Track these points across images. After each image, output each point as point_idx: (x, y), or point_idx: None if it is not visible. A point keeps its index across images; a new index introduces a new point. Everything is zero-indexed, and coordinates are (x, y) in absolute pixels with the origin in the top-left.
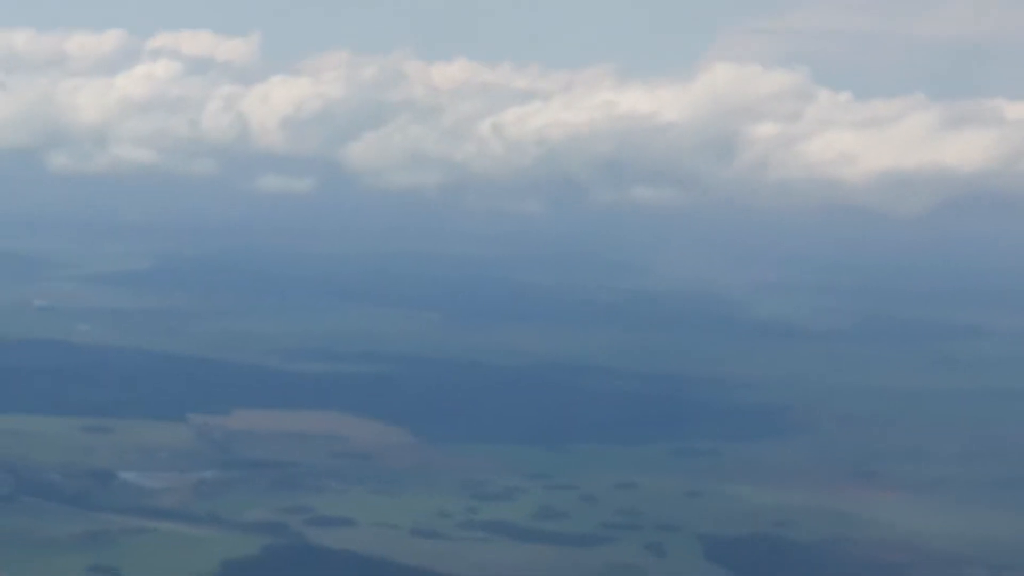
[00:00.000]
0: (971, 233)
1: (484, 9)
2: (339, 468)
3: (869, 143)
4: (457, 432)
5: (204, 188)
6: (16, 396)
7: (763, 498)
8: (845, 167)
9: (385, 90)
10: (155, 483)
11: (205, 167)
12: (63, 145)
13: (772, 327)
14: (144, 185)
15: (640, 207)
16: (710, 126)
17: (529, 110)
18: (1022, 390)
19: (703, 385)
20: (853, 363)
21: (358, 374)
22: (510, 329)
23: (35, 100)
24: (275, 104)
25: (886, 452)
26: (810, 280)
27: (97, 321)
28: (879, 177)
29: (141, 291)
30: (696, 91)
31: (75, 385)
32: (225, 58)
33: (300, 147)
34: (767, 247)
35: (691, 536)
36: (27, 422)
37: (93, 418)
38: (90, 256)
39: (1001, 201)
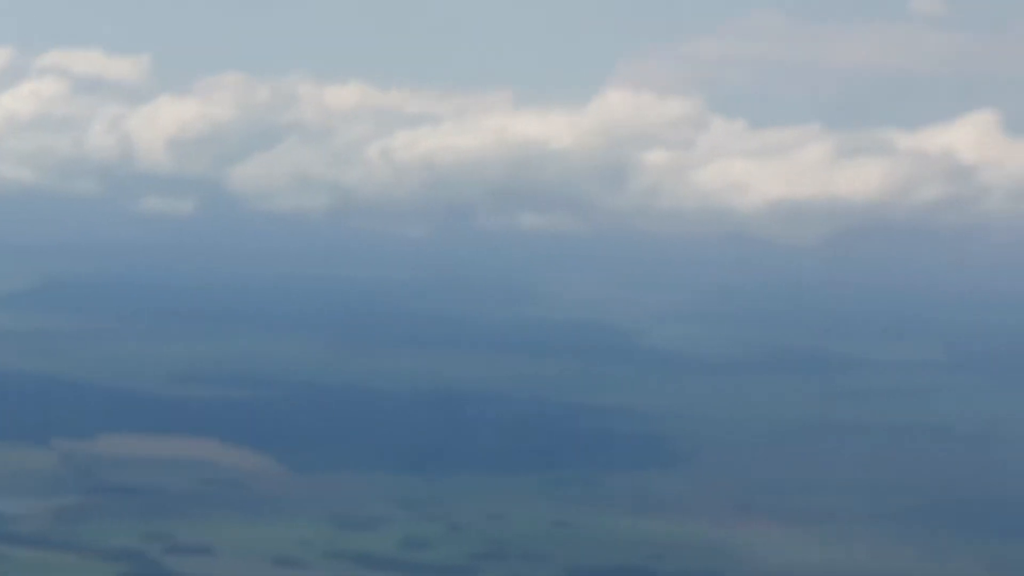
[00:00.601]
0: (864, 263)
1: (385, 33)
2: (204, 495)
3: (762, 172)
4: (329, 460)
5: (86, 208)
6: None
7: (638, 529)
8: (738, 195)
9: (276, 113)
10: (13, 509)
11: (87, 187)
12: None
13: (662, 356)
14: (24, 205)
15: (529, 234)
16: (602, 153)
17: (419, 134)
18: (908, 422)
19: (587, 414)
20: (742, 393)
21: (234, 400)
22: (394, 355)
23: None
24: (162, 125)
25: (768, 484)
26: (702, 309)
27: None
28: (772, 206)
29: (19, 312)
30: (589, 118)
31: None
32: (115, 77)
33: (185, 168)
34: (659, 275)
35: (558, 568)
36: None
37: None
38: None
39: (893, 231)
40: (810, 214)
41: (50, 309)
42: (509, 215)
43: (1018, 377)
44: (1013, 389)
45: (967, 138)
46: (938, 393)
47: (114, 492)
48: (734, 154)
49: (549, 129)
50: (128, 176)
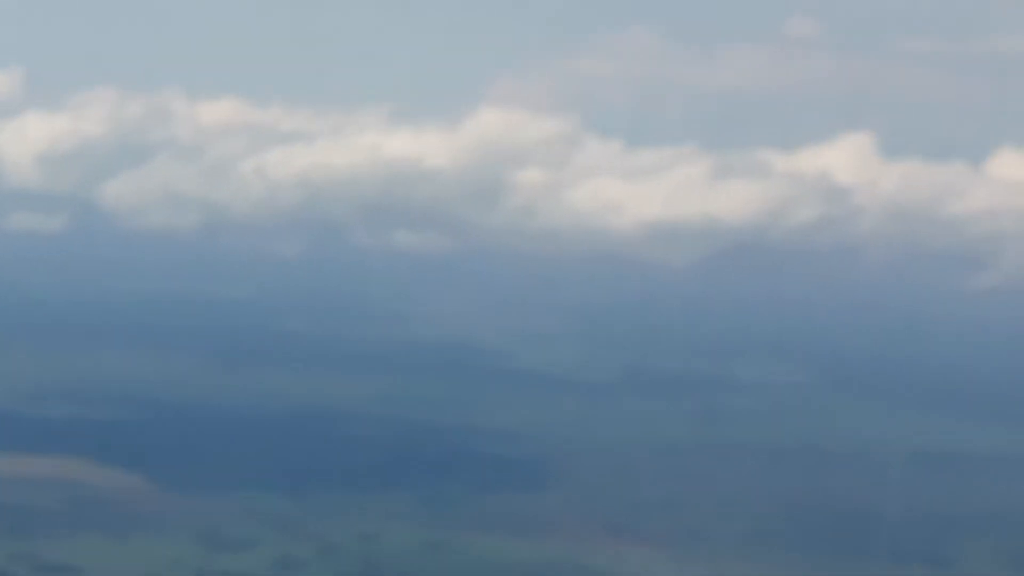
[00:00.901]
0: (739, 285)
1: (261, 48)
2: (73, 514)
3: (637, 192)
4: (202, 479)
5: None
6: None
7: (509, 551)
8: (612, 216)
9: (147, 129)
10: None
11: None
12: None
13: (534, 377)
14: None
15: (402, 253)
16: (475, 172)
17: (293, 152)
18: (778, 444)
19: (458, 435)
20: (614, 415)
21: (104, 419)
22: (267, 375)
23: None
24: (30, 140)
25: (639, 505)
26: (576, 330)
27: None
28: (647, 227)
29: None
30: (463, 136)
31: None
32: None
33: (55, 185)
34: (532, 295)
35: None
36: None
37: None
38: None
39: (769, 252)
40: (685, 235)
41: None
42: (383, 233)
43: (888, 397)
44: (883, 409)
45: (842, 159)
46: (808, 413)
47: None
48: (609, 173)
49: (423, 147)
50: None
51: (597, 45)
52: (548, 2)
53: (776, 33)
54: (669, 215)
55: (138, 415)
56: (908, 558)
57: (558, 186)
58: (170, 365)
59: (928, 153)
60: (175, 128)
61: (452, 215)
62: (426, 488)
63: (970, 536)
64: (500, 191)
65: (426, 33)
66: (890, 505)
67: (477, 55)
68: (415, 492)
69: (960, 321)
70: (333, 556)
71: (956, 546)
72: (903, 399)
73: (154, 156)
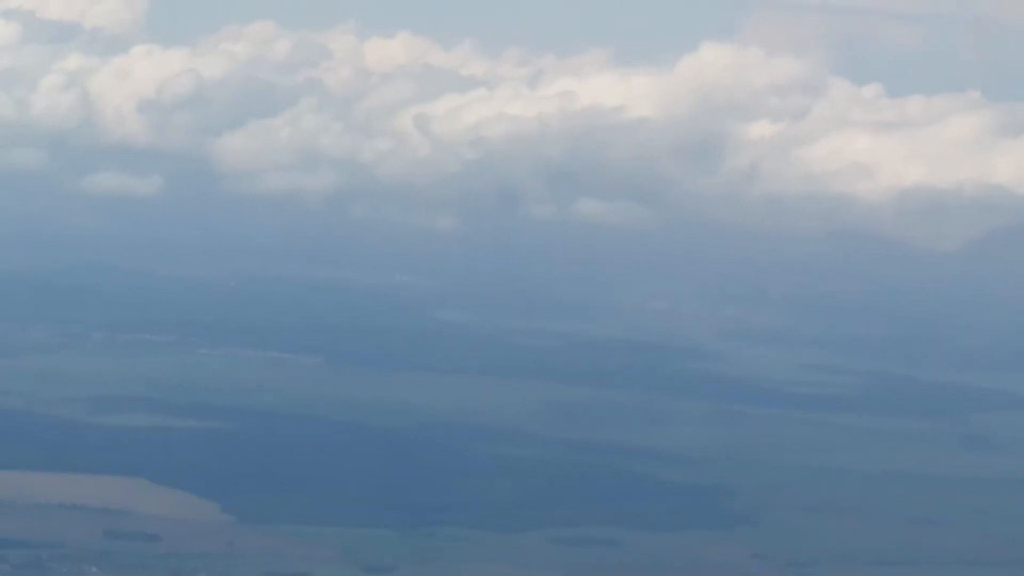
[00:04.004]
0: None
1: None
2: (111, 551)
3: (895, 150)
4: (288, 509)
5: (28, 185)
6: None
7: None
8: (861, 180)
9: (292, 70)
10: None
11: (32, 159)
12: None
13: (743, 388)
14: None
15: (590, 226)
16: (688, 124)
17: (466, 100)
18: None
19: (628, 457)
20: (844, 439)
21: (185, 432)
22: (406, 380)
23: None
24: (136, 83)
25: (846, 552)
26: (806, 329)
27: None
28: (906, 196)
29: None
30: (676, 80)
31: None
32: (95, 24)
33: (159, 139)
34: (753, 283)
35: None
36: None
37: None
38: None
39: None
40: (956, 208)
41: None
42: (567, 203)
43: None
44: None
45: None
46: None
47: None
48: (858, 127)
49: (626, 94)
50: (85, 147)
51: None
52: None
53: None
54: (936, 181)
55: (229, 428)
56: None
57: (793, 143)
58: (287, 367)
59: None
60: (329, 71)
61: (656, 179)
62: (570, 522)
63: None
64: (718, 149)
65: None
66: None
67: None
68: (555, 527)
69: None
70: None
71: None
72: None
73: (294, 104)
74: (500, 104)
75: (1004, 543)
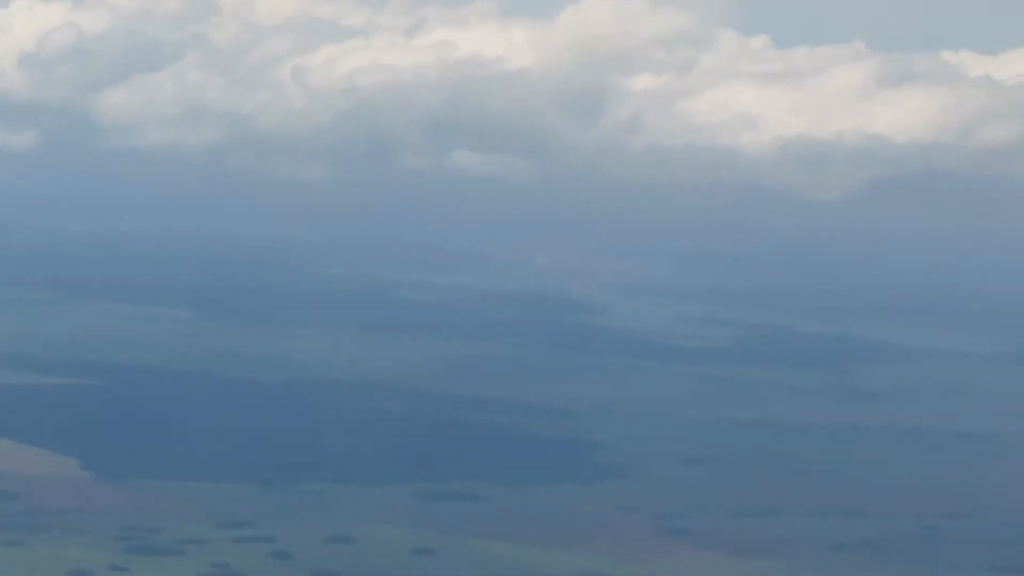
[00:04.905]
0: (906, 225)
1: None
2: None
3: (779, 101)
4: (150, 465)
5: None
6: None
7: (522, 562)
8: (745, 132)
9: (180, 26)
10: None
11: None
12: None
13: (624, 341)
14: None
15: (467, 178)
16: (570, 76)
17: (342, 50)
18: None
19: (502, 412)
20: (723, 391)
21: (48, 389)
22: (280, 335)
23: None
24: (16, 37)
25: (716, 504)
26: (689, 281)
27: None
28: (789, 146)
29: None
30: (558, 31)
31: None
32: None
33: (41, 93)
34: (635, 235)
35: None
36: None
37: None
38: None
39: (948, 183)
40: (838, 158)
41: None
42: (440, 154)
43: None
44: None
45: None
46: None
47: None
48: (743, 78)
49: (507, 45)
50: None
51: None
52: None
53: None
54: (819, 132)
55: (100, 384)
56: None
57: (677, 95)
58: (161, 321)
59: None
60: (218, 26)
61: (536, 131)
62: (438, 476)
63: None
64: (600, 101)
65: None
66: None
67: None
68: (421, 481)
69: None
70: (285, 564)
71: None
72: None
73: (177, 60)
74: (375, 53)
75: (877, 494)
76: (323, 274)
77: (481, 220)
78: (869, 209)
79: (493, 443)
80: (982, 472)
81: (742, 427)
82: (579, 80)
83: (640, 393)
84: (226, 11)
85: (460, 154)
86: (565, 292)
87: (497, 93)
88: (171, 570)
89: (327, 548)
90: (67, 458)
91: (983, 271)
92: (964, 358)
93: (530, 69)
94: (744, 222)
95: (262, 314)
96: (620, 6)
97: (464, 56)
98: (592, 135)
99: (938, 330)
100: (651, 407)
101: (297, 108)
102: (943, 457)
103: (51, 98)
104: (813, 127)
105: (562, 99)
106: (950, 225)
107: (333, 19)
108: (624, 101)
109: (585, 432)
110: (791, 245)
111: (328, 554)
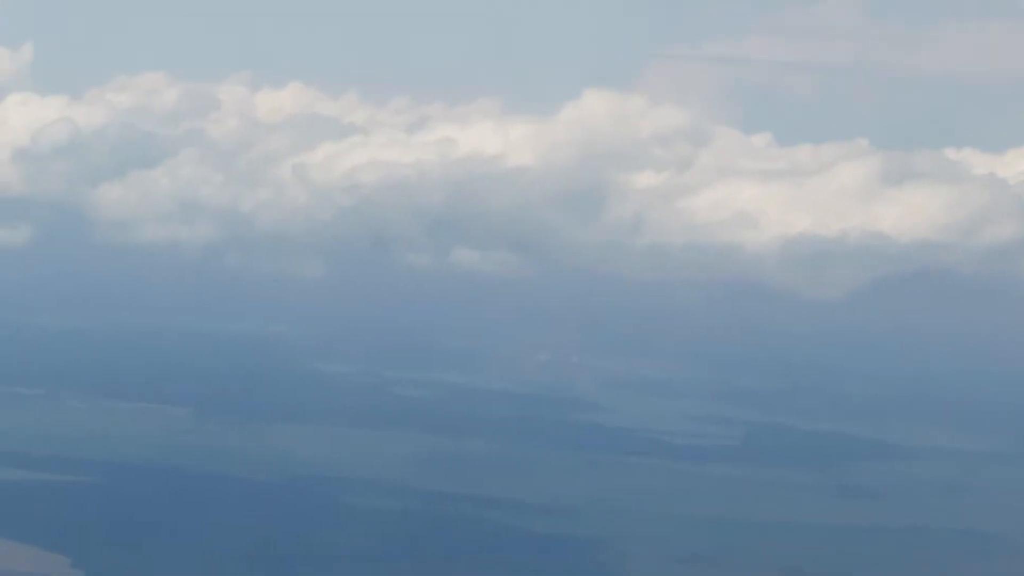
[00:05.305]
0: (910, 324)
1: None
2: None
3: (781, 198)
4: (142, 564)
5: None
6: None
7: None
8: (747, 230)
9: (176, 120)
10: None
11: None
12: None
13: (622, 439)
14: None
15: (466, 275)
16: (570, 173)
17: (343, 147)
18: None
19: (499, 509)
20: (720, 490)
21: (41, 485)
22: (277, 431)
23: None
24: (10, 132)
25: None
26: (689, 379)
27: None
28: (791, 244)
29: None
30: (558, 128)
31: None
32: None
33: (35, 188)
34: (637, 334)
35: None
36: None
37: None
38: None
39: (953, 282)
40: (841, 256)
41: None
42: (440, 251)
43: None
44: None
45: None
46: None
47: None
48: (744, 176)
49: (508, 142)
50: None
51: (748, 22)
52: None
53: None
54: (821, 230)
55: (92, 482)
56: None
57: (677, 192)
58: (156, 418)
59: None
60: (217, 122)
61: (535, 228)
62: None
63: None
64: (600, 198)
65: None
66: None
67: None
68: None
69: None
70: None
71: None
72: None
73: (173, 155)
74: (376, 150)
75: None
76: (322, 371)
77: (481, 317)
78: (872, 307)
79: (489, 541)
80: (983, 571)
81: (740, 526)
82: (579, 177)
83: (638, 491)
84: (225, 107)
85: (460, 251)
86: (565, 389)
87: (498, 190)
88: None
89: None
90: (57, 555)
91: (986, 369)
92: (967, 456)
93: (530, 167)
94: (746, 320)
95: (260, 411)
96: (620, 103)
97: (465, 153)
98: (592, 232)
99: (940, 428)
100: (649, 505)
101: (297, 205)
102: (944, 556)
103: (46, 193)
104: (816, 225)
105: (562, 196)
106: (954, 323)
107: (335, 117)
108: (625, 198)
109: (582, 530)
110: (793, 343)
111: None
